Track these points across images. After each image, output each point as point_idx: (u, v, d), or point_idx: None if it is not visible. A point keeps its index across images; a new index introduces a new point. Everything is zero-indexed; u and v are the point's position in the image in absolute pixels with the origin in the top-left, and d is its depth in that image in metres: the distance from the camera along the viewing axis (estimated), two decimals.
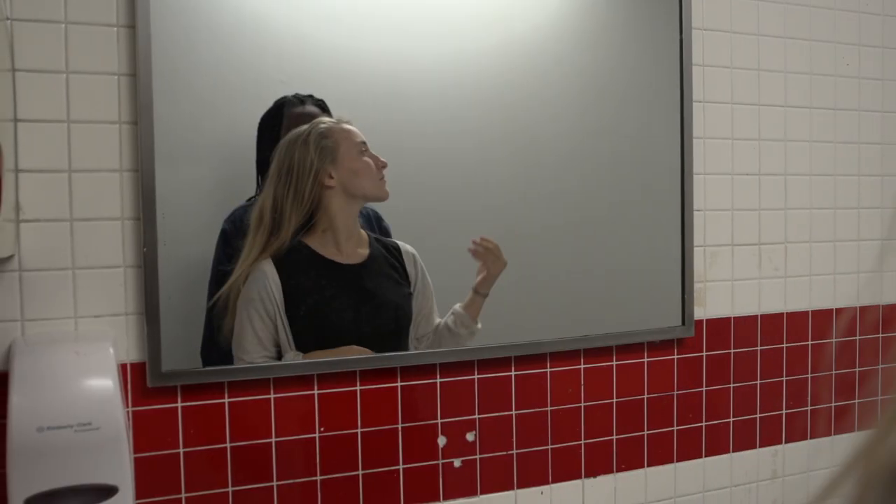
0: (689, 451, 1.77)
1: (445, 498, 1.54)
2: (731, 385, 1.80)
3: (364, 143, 1.42)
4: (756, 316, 1.82)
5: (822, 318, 1.90)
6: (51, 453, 1.06)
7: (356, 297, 1.44)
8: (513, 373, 1.58)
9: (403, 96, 1.46)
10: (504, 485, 1.58)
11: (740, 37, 1.78)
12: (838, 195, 1.90)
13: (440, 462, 1.53)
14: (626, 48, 1.65)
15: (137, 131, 1.29)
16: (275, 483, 1.41)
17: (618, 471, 1.69)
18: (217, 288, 1.36)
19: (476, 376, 1.55)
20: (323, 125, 1.39)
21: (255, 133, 1.37)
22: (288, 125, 1.39)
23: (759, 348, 1.83)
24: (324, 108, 1.42)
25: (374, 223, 1.47)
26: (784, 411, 1.87)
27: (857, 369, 1.95)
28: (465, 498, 1.55)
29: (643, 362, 1.71)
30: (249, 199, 1.38)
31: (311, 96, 1.41)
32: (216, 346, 1.36)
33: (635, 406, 1.71)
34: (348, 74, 1.42)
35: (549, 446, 1.62)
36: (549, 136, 1.58)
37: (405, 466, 1.50)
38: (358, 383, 1.46)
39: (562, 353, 1.62)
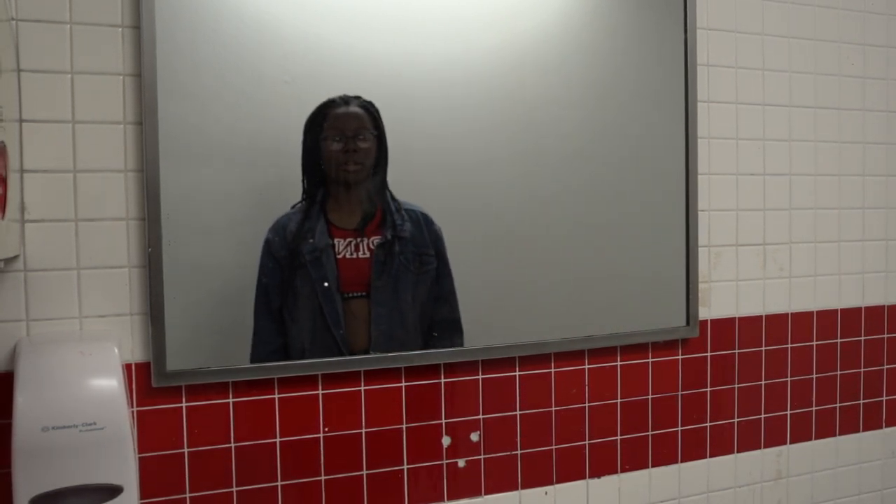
0: (694, 451, 1.76)
1: (450, 498, 1.54)
2: (736, 385, 1.80)
3: None
4: (760, 316, 1.82)
5: (827, 319, 1.89)
6: (56, 453, 1.06)
7: None
8: (517, 373, 1.58)
9: (408, 96, 1.46)
10: (508, 485, 1.58)
11: (745, 36, 1.78)
12: (843, 195, 1.90)
13: (444, 462, 1.53)
14: (630, 48, 1.64)
15: (142, 131, 1.29)
16: (279, 483, 1.41)
17: (622, 471, 1.69)
18: (264, 299, 1.35)
19: (480, 376, 1.55)
20: None
21: (257, 133, 1.36)
22: (330, 126, 1.38)
23: (763, 349, 1.82)
24: (369, 111, 1.41)
25: (424, 226, 1.46)
26: (788, 412, 1.86)
27: (861, 370, 1.94)
28: (470, 498, 1.55)
29: (647, 363, 1.70)
30: (294, 206, 1.37)
31: (358, 97, 1.40)
32: None
33: (639, 406, 1.70)
34: (352, 75, 1.42)
35: (554, 446, 1.62)
36: (554, 136, 1.58)
37: (409, 467, 1.50)
38: (362, 383, 1.46)
39: (566, 354, 1.62)
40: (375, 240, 1.41)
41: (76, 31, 1.27)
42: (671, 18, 1.68)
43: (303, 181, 1.37)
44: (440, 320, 1.48)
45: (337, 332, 1.40)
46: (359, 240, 1.41)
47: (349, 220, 1.41)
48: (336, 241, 1.39)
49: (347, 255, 1.40)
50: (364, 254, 1.41)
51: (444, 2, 1.49)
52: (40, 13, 1.25)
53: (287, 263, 1.36)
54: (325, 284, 1.38)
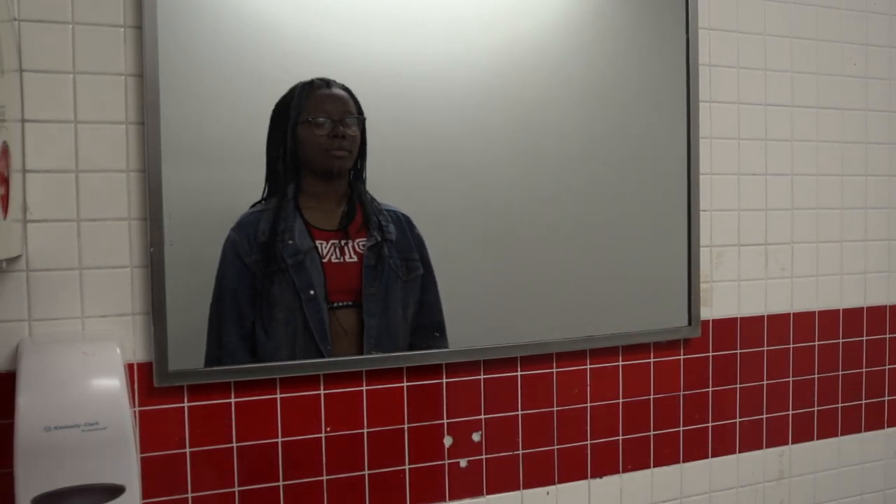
0: (696, 451, 1.76)
1: (451, 498, 1.54)
2: (738, 385, 1.80)
3: None
4: (762, 316, 1.82)
5: (829, 319, 1.89)
6: (58, 453, 1.06)
7: None
8: (519, 373, 1.58)
9: (409, 96, 1.46)
10: (510, 485, 1.58)
11: (747, 36, 1.77)
12: (845, 195, 1.90)
13: (446, 462, 1.53)
14: (632, 48, 1.64)
15: (144, 132, 1.29)
16: (281, 483, 1.41)
17: (624, 471, 1.69)
18: (233, 311, 1.21)
19: (482, 376, 1.55)
20: None
21: (259, 132, 1.35)
22: (313, 109, 1.24)
23: (765, 349, 1.82)
24: (352, 94, 1.29)
25: (407, 229, 1.33)
26: (790, 412, 1.86)
27: (863, 370, 1.94)
28: (471, 498, 1.55)
29: (649, 363, 1.70)
30: (254, 205, 1.30)
31: (334, 81, 1.28)
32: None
33: (641, 406, 1.70)
34: (353, 75, 1.42)
35: (555, 447, 1.62)
36: (555, 137, 1.58)
37: (411, 467, 1.50)
38: (364, 383, 1.45)
39: (568, 354, 1.62)
40: (362, 242, 1.28)
41: (78, 32, 1.27)
42: (673, 18, 1.68)
43: (267, 175, 1.23)
44: (425, 325, 1.41)
45: (324, 347, 1.29)
46: (344, 242, 1.26)
47: (328, 220, 1.27)
48: (318, 243, 1.25)
49: (333, 259, 1.26)
50: (351, 258, 1.28)
51: (445, 2, 1.49)
52: (42, 13, 1.25)
53: (261, 269, 1.22)
54: (311, 293, 1.24)
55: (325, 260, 1.25)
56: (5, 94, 1.11)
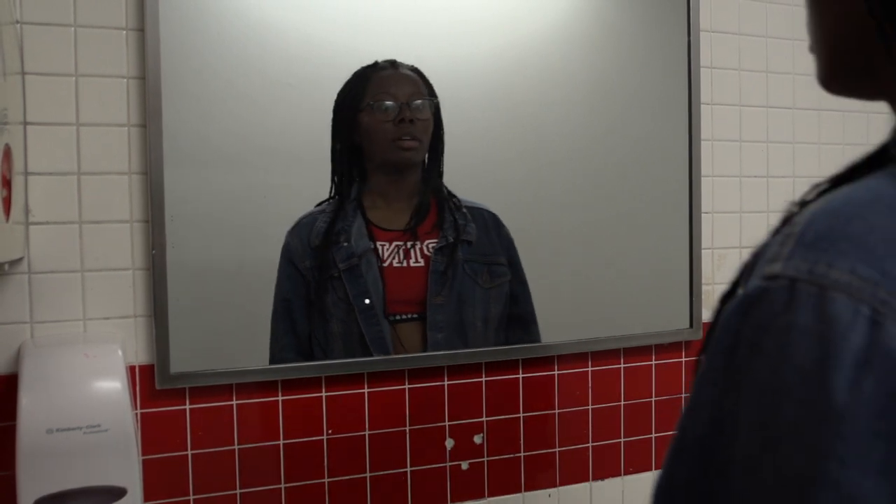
0: None
1: (453, 500, 1.53)
2: None
3: None
4: None
5: None
6: (60, 455, 1.06)
7: None
8: (520, 375, 1.58)
9: None
10: (512, 487, 1.58)
11: (748, 39, 1.77)
12: None
13: (448, 464, 1.53)
14: (633, 50, 1.64)
15: (146, 134, 1.29)
16: (283, 485, 1.41)
17: (626, 474, 1.69)
18: (288, 323, 1.08)
19: (484, 378, 1.55)
20: None
21: (261, 135, 1.35)
22: (376, 92, 1.10)
23: None
24: (422, 75, 1.15)
25: (493, 229, 1.19)
26: None
27: None
28: (473, 500, 1.55)
29: (651, 365, 1.70)
30: (320, 204, 1.13)
31: (401, 62, 1.14)
32: None
33: (643, 408, 1.70)
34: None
35: (557, 449, 1.62)
36: (557, 139, 1.58)
37: (413, 469, 1.50)
38: (366, 386, 1.45)
39: (569, 356, 1.61)
40: (431, 244, 1.13)
41: (80, 34, 1.27)
42: (674, 21, 1.68)
43: (333, 173, 1.09)
44: (516, 342, 1.22)
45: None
46: (410, 244, 1.11)
47: (395, 219, 1.12)
48: (379, 244, 1.10)
49: (395, 264, 1.10)
50: (417, 262, 1.12)
51: (449, 4, 1.49)
52: (44, 16, 1.25)
53: (315, 276, 1.09)
54: (367, 301, 1.09)
55: (384, 264, 1.10)
56: (7, 97, 1.11)
